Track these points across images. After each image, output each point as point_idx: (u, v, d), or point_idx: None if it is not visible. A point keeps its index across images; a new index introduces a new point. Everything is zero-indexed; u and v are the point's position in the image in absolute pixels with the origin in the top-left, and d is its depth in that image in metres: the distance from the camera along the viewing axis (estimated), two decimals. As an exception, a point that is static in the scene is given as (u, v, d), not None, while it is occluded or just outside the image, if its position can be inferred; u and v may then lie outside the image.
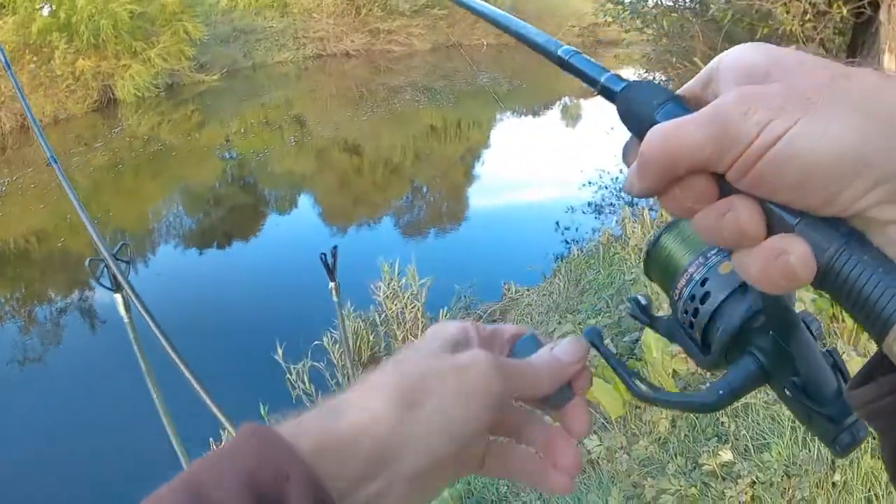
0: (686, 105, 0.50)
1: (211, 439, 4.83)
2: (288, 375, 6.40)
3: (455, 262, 10.02)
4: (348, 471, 0.51)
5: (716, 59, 0.50)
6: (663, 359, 4.25)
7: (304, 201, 14.63)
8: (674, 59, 9.89)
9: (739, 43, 0.49)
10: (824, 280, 0.44)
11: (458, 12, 28.98)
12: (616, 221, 9.23)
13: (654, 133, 0.47)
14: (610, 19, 10.48)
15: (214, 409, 2.90)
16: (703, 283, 0.64)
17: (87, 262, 3.06)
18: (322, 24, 27.65)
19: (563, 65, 0.61)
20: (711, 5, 8.68)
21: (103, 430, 6.53)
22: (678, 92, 0.53)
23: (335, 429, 0.52)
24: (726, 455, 3.66)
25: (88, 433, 6.61)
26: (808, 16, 7.37)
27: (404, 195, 14.41)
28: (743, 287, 0.61)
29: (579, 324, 5.40)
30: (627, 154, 0.53)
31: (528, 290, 8.01)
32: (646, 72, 11.42)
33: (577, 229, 10.14)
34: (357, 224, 12.50)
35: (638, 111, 0.52)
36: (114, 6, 20.79)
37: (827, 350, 0.61)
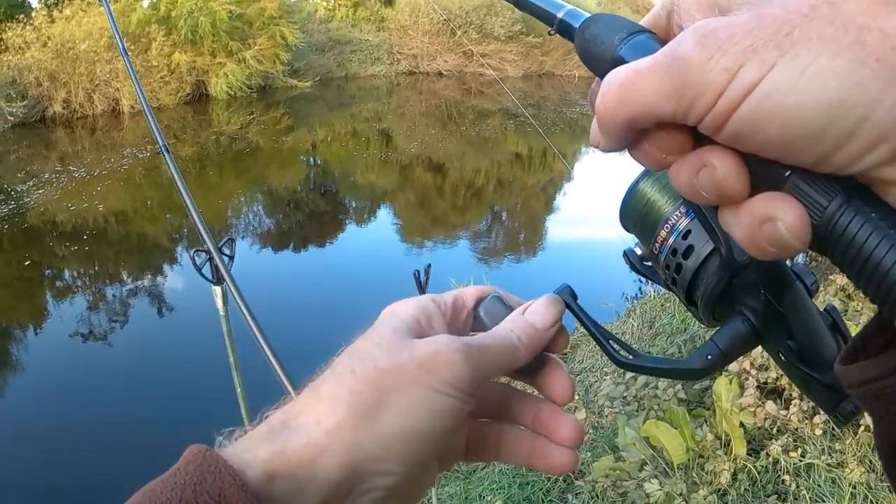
0: (651, 40, 0.44)
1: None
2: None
3: (528, 290, 9.82)
4: (304, 500, 0.45)
5: None
6: (732, 409, 4.07)
7: (384, 214, 14.61)
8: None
9: None
10: (823, 243, 0.37)
11: (551, 42, 29.02)
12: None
13: (607, 86, 0.40)
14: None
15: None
16: (685, 235, 0.58)
17: (191, 253, 3.03)
18: (417, 41, 27.85)
19: (517, 2, 0.58)
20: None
21: (176, 413, 6.69)
22: (642, 22, 0.46)
23: (286, 452, 0.46)
24: None
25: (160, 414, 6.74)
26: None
27: (483, 219, 14.33)
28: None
29: None
30: (592, 101, 0.44)
31: (601, 326, 7.84)
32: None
33: (655, 270, 9.90)
34: (433, 242, 12.44)
35: (599, 49, 0.46)
36: (213, 5, 21.28)
37: (825, 309, 0.54)
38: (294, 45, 23.72)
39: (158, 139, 3.33)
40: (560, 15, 0.52)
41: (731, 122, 0.36)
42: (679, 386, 4.66)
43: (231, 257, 3.05)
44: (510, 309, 0.62)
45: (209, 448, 0.45)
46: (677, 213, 0.60)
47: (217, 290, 3.11)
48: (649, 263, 0.66)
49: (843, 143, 0.34)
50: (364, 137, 19.62)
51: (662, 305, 7.54)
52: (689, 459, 4.06)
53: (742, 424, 4.10)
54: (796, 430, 3.98)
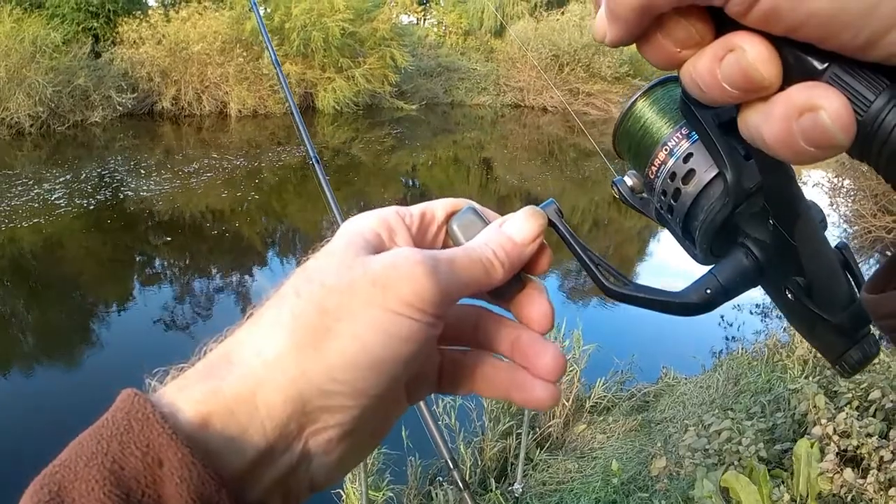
0: None
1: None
2: (434, 407, 6.22)
3: (618, 335, 9.83)
4: (246, 442, 0.40)
5: None
6: (810, 474, 3.96)
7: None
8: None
9: None
10: (867, 145, 0.33)
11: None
12: (784, 328, 8.87)
13: None
14: None
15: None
16: (686, 158, 0.53)
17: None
18: (524, 74, 27.92)
19: None
20: None
21: None
22: None
23: (222, 388, 0.40)
24: None
25: None
26: None
27: (574, 260, 14.26)
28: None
29: (734, 421, 5.12)
30: None
31: (686, 378, 7.73)
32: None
33: (739, 327, 9.84)
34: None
35: None
36: (327, 21, 21.78)
37: (836, 246, 0.51)
38: (403, 67, 24.11)
39: (310, 151, 3.31)
40: None
41: None
42: (761, 444, 4.52)
43: None
44: (487, 223, 0.54)
45: (138, 392, 0.40)
46: (678, 135, 0.54)
47: None
48: (642, 195, 0.61)
49: (893, 23, 0.30)
50: (464, 165, 19.76)
51: (749, 363, 7.41)
52: None
53: (821, 494, 4.01)
54: (871, 500, 3.85)
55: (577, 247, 0.56)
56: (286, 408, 0.40)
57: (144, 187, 13.32)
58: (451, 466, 2.47)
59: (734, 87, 0.34)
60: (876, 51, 0.31)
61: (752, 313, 10.49)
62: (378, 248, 0.47)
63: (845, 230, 12.26)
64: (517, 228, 0.52)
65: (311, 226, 13.09)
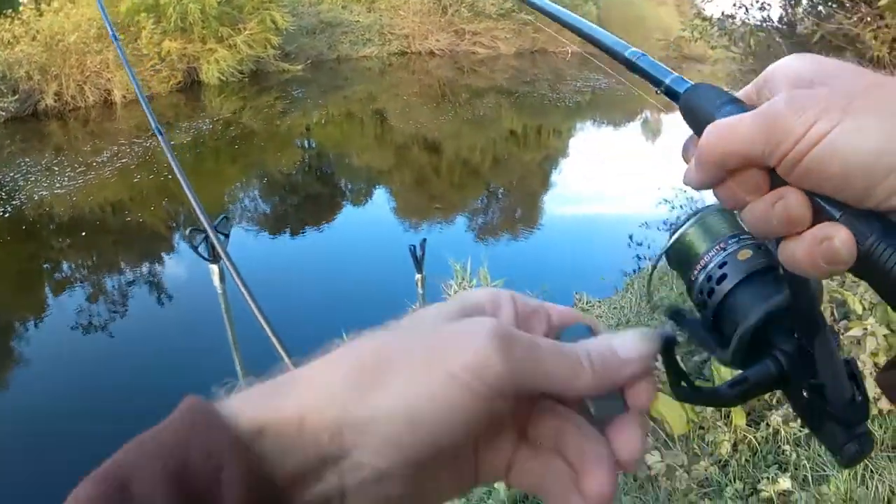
0: (744, 106, 0.54)
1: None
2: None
3: (527, 267, 10.14)
4: (292, 458, 0.41)
5: (770, 67, 0.56)
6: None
7: (380, 195, 14.66)
8: (759, 79, 9.75)
9: None
10: (864, 266, 0.48)
11: (540, 18, 28.86)
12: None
13: (712, 128, 0.52)
14: (697, 35, 10.29)
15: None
16: (720, 266, 0.64)
17: (187, 231, 3.06)
18: (408, 21, 27.70)
19: (631, 66, 0.67)
20: (798, 25, 8.72)
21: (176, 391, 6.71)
22: (737, 95, 0.57)
23: (280, 406, 0.43)
24: (785, 483, 3.68)
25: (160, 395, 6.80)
26: (897, 43, 7.26)
27: (480, 197, 14.36)
28: (759, 273, 0.61)
29: None
30: (687, 150, 0.58)
31: (599, 301, 7.95)
32: (730, 90, 11.27)
33: (649, 246, 10.02)
34: (431, 222, 12.47)
35: (699, 110, 0.57)
36: (203, -9, 21.05)
37: (845, 359, 0.60)
38: (284, 28, 23.62)
39: (152, 122, 3.38)
40: (667, 81, 0.63)
41: (804, 162, 0.48)
42: (678, 357, 4.63)
43: (227, 235, 3.13)
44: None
45: (202, 399, 0.43)
46: (715, 248, 0.66)
47: (214, 268, 3.19)
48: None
49: (882, 180, 0.46)
50: (358, 119, 19.70)
51: (661, 279, 7.52)
52: (689, 431, 4.15)
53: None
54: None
55: (678, 376, 0.60)
56: (325, 438, 0.42)
57: (40, 191, 13.03)
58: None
59: (779, 224, 0.50)
60: (870, 201, 0.47)
61: (658, 230, 10.57)
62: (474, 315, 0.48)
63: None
64: (623, 342, 0.49)
65: (215, 198, 12.98)
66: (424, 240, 4.54)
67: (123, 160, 14.54)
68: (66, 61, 19.20)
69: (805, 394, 0.59)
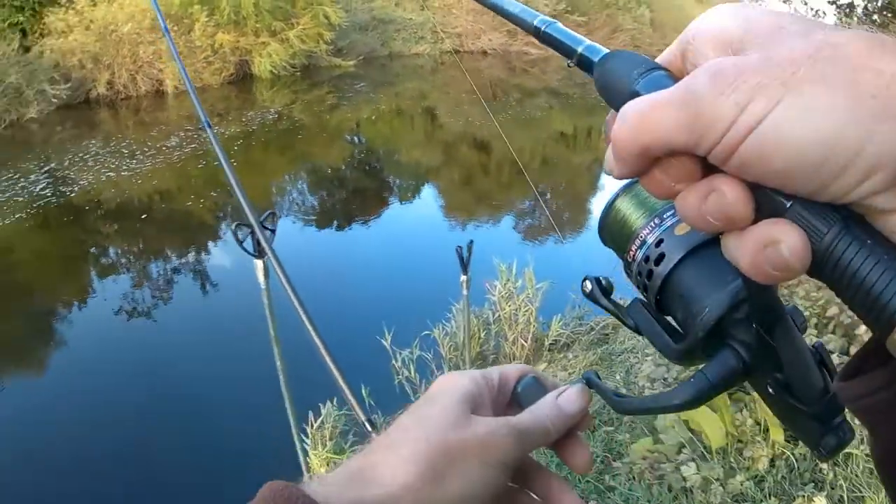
0: (667, 77, 0.47)
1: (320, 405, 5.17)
2: (393, 361, 6.33)
3: (573, 271, 9.84)
4: None
5: (692, 23, 0.46)
6: None
7: (427, 192, 14.63)
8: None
9: None
10: (821, 268, 0.40)
11: (596, 20, 29.05)
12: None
13: (624, 116, 0.43)
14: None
15: (343, 385, 2.74)
16: (657, 243, 0.60)
17: (233, 227, 3.08)
18: (461, 20, 27.65)
19: (540, 36, 0.60)
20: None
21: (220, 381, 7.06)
22: (658, 60, 0.49)
23: (364, 498, 0.53)
24: (821, 503, 3.63)
25: (202, 383, 7.15)
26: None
27: (527, 198, 14.27)
28: (701, 247, 0.57)
29: None
30: (608, 131, 0.47)
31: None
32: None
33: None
34: (477, 221, 12.47)
35: (616, 83, 0.49)
36: (256, -15, 21.21)
37: (813, 345, 0.56)
38: (337, 24, 23.74)
39: (201, 115, 3.43)
40: (580, 49, 0.55)
41: (739, 152, 0.39)
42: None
43: (273, 231, 3.17)
44: (545, 390, 0.71)
45: (292, 484, 0.52)
46: (651, 224, 0.61)
47: (259, 263, 3.26)
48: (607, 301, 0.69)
49: (840, 173, 0.37)
50: (408, 116, 19.71)
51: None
52: (727, 444, 4.09)
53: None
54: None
55: (608, 394, 0.67)
56: None
57: (88, 177, 13.18)
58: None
59: (715, 220, 0.42)
60: (826, 195, 0.38)
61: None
62: (474, 406, 0.65)
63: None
64: (569, 403, 0.68)
65: (262, 191, 13.03)
66: (471, 242, 4.61)
67: (174, 150, 14.65)
68: (118, 51, 19.42)
69: (770, 390, 0.55)
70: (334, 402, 5.12)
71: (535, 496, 0.69)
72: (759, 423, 4.09)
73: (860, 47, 0.37)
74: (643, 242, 0.61)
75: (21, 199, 12.21)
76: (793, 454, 3.96)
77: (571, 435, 0.69)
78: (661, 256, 0.59)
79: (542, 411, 0.67)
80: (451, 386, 0.66)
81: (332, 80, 22.70)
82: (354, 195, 14.11)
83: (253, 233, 3.06)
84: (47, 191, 12.64)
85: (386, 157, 16.54)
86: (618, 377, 5.35)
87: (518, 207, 13.49)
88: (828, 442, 0.54)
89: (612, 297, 0.70)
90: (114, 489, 5.69)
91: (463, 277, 4.64)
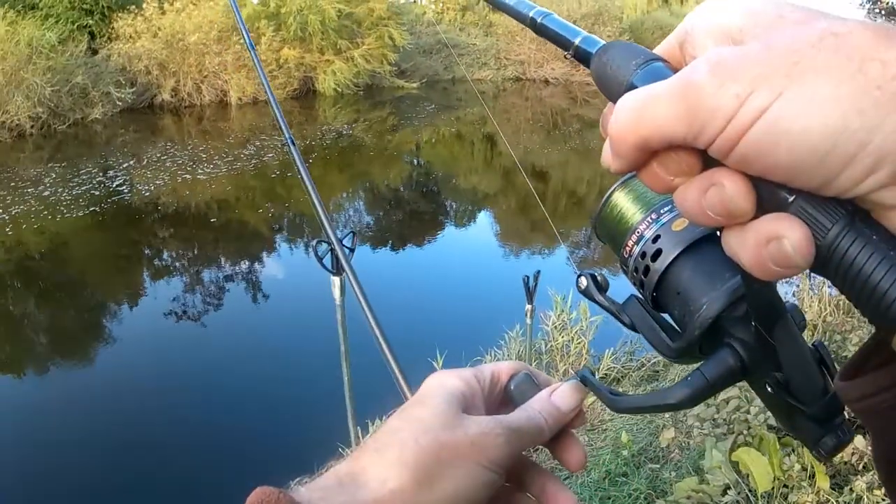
0: (668, 66, 0.45)
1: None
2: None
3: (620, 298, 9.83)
4: None
5: (690, 15, 0.45)
6: None
7: (483, 218, 14.58)
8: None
9: None
10: (825, 264, 0.39)
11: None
12: (793, 294, 8.84)
13: (623, 108, 0.41)
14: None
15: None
16: (654, 239, 0.59)
17: (314, 243, 3.12)
18: (524, 48, 27.80)
19: (536, 28, 0.58)
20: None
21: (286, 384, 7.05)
22: (656, 50, 0.48)
23: (354, 503, 0.53)
24: None
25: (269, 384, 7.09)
26: None
27: (582, 229, 14.23)
28: (699, 243, 0.56)
29: (743, 389, 5.13)
30: (605, 124, 0.45)
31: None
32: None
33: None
34: (532, 249, 12.34)
35: (614, 75, 0.48)
36: (323, 3, 21.83)
37: (813, 344, 0.55)
38: (402, 46, 24.08)
39: (284, 131, 3.47)
40: (577, 41, 0.53)
41: (741, 146, 0.37)
42: (769, 413, 4.53)
43: (352, 249, 3.14)
44: (538, 387, 0.69)
45: (281, 490, 0.51)
46: (647, 219, 0.60)
47: (336, 280, 3.29)
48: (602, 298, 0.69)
49: (845, 167, 0.36)
50: (468, 141, 19.70)
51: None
52: (773, 488, 3.96)
53: (830, 458, 3.99)
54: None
55: (603, 392, 0.63)
56: None
57: (147, 181, 13.37)
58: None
59: (716, 215, 0.40)
60: (831, 189, 0.37)
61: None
62: (466, 406, 0.63)
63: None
64: (563, 401, 0.66)
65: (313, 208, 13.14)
66: (538, 272, 4.56)
67: (236, 161, 14.80)
68: (185, 60, 19.85)
69: (769, 389, 0.53)
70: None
71: (530, 496, 0.68)
72: (805, 469, 4.00)
73: (865, 36, 0.35)
74: (640, 237, 0.60)
75: (97, 192, 12.50)
76: (837, 501, 3.83)
77: (566, 433, 0.68)
78: (658, 252, 0.58)
79: (535, 409, 0.65)
80: (442, 386, 0.64)
81: (394, 101, 22.93)
82: (411, 217, 14.10)
83: (332, 250, 3.07)
84: (105, 190, 12.88)
85: (444, 180, 16.51)
86: (666, 415, 5.29)
87: (573, 238, 13.45)
88: (827, 442, 0.53)
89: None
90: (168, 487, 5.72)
91: (528, 307, 4.64)
